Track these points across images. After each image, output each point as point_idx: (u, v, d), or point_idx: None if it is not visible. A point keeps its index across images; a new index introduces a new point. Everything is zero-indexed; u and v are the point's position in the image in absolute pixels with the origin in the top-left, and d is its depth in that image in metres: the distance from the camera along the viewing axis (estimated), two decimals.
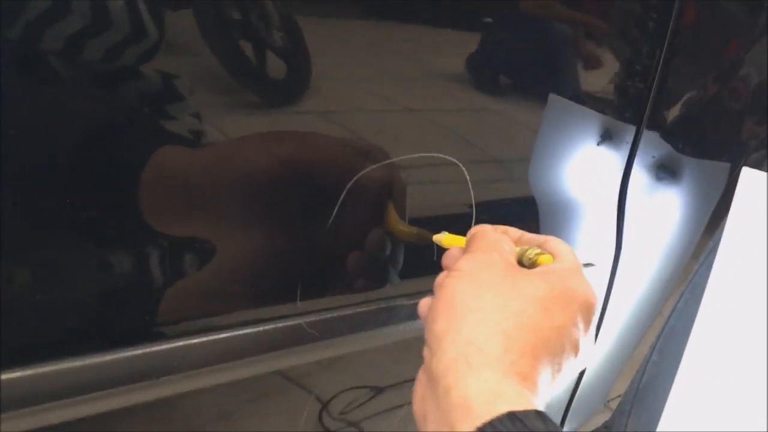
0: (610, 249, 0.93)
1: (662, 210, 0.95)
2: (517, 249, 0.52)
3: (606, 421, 1.25)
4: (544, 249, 0.51)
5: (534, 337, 0.44)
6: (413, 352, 0.74)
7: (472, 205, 0.74)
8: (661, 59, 0.83)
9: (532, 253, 0.51)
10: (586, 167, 0.86)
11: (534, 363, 0.43)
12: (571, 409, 1.07)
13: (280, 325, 0.62)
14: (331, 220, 0.62)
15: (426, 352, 0.47)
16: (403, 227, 0.66)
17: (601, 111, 0.86)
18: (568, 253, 0.51)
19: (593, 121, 0.85)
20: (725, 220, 0.98)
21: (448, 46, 0.66)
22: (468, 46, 0.66)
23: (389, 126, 0.64)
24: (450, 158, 0.72)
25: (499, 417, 0.39)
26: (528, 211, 0.83)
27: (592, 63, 0.80)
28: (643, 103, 0.85)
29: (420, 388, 0.47)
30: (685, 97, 0.90)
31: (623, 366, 1.09)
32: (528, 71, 0.74)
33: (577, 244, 0.90)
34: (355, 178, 0.61)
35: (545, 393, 0.44)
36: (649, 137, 0.88)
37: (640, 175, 0.90)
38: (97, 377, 0.52)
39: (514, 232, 0.55)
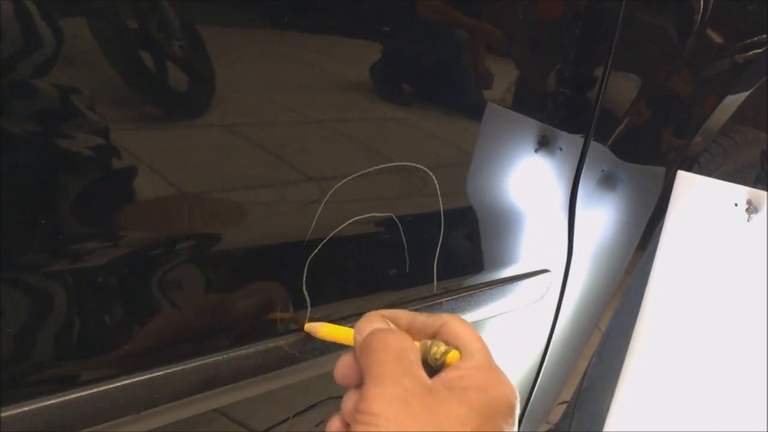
0: (562, 254, 0.96)
1: (608, 214, 0.99)
2: (419, 345, 0.48)
3: (550, 429, 1.28)
4: (444, 336, 0.48)
5: None
6: None
7: (440, 222, 0.75)
8: (609, 68, 0.87)
9: (438, 352, 0.47)
10: (526, 175, 0.88)
11: None
12: (526, 415, 1.09)
13: None
14: None
15: None
16: None
17: (544, 120, 0.89)
18: (474, 342, 0.48)
19: (531, 128, 0.88)
20: (662, 223, 1.04)
21: (352, 55, 0.66)
22: (371, 55, 0.66)
23: (295, 138, 0.63)
24: (420, 166, 0.73)
25: None
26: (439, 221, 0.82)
27: (486, 73, 0.82)
28: (590, 114, 0.90)
29: None
30: (625, 109, 0.95)
31: (572, 370, 1.13)
32: (430, 79, 0.74)
33: (525, 252, 0.92)
34: None
35: None
36: (595, 147, 0.92)
37: (587, 182, 0.94)
38: None
39: (405, 316, 0.51)
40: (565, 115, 0.90)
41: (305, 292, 0.64)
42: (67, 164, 0.49)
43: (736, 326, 1.01)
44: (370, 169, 0.68)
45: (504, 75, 0.83)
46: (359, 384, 0.47)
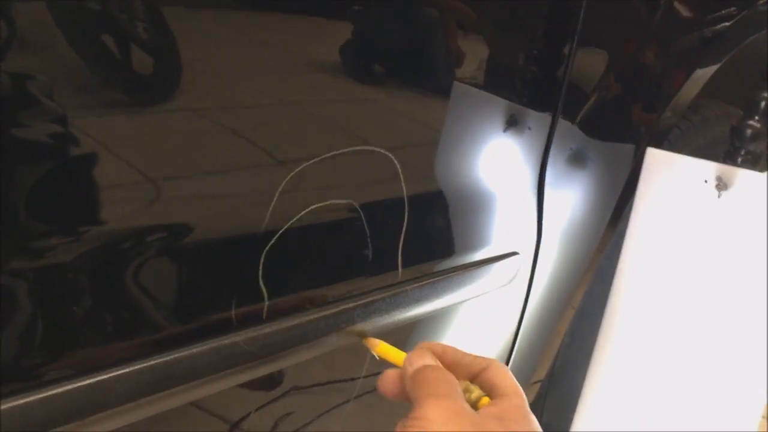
0: (531, 236, 0.94)
1: (576, 194, 0.97)
2: (461, 384, 0.53)
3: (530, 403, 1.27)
4: (485, 379, 0.53)
5: None
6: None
7: (404, 199, 0.72)
8: (574, 49, 0.85)
9: (472, 398, 0.52)
10: (496, 156, 0.86)
11: None
12: None
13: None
14: None
15: None
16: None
17: (512, 99, 0.87)
18: (514, 386, 0.53)
19: (500, 107, 0.86)
20: (632, 202, 1.02)
21: (322, 36, 0.65)
22: (341, 35, 0.65)
23: (266, 120, 0.62)
24: (383, 151, 0.70)
25: None
26: (423, 204, 0.81)
27: (456, 52, 0.80)
28: (557, 94, 0.87)
29: None
30: (593, 86, 0.93)
31: (544, 351, 1.12)
32: (401, 58, 0.74)
33: (493, 234, 0.90)
34: None
35: None
36: (563, 125, 0.90)
37: (556, 161, 0.92)
38: None
39: (451, 353, 0.56)
40: (534, 93, 0.88)
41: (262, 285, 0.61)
42: (24, 155, 0.47)
43: (707, 303, 1.01)
44: (329, 154, 0.66)
45: (475, 53, 0.82)
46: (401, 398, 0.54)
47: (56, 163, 0.49)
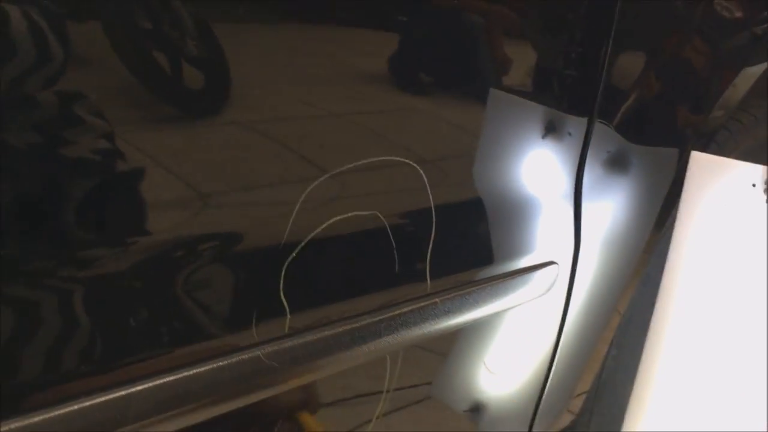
0: (569, 245, 0.91)
1: (617, 201, 0.94)
2: None
3: (571, 421, 1.23)
4: None
5: None
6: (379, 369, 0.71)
7: (431, 208, 0.71)
8: (609, 49, 0.82)
9: None
10: (534, 163, 0.84)
11: None
12: (539, 413, 1.05)
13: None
14: None
15: None
16: None
17: (548, 104, 0.84)
18: None
19: (538, 114, 0.83)
20: (677, 207, 0.98)
21: (369, 47, 0.65)
22: (389, 46, 0.65)
23: (314, 132, 0.62)
24: (407, 161, 0.69)
25: None
26: (466, 213, 0.80)
27: (502, 59, 0.79)
28: (593, 96, 0.85)
29: None
30: (631, 87, 0.90)
31: (586, 363, 1.08)
32: (447, 67, 0.73)
33: (537, 243, 0.88)
34: None
35: None
36: (600, 129, 0.87)
37: (593, 167, 0.89)
38: None
39: None
40: (569, 96, 0.86)
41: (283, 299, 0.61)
42: (77, 169, 0.48)
43: (756, 309, 0.96)
44: (357, 163, 0.65)
45: (521, 60, 0.81)
46: None
47: (110, 176, 0.50)
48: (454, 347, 0.85)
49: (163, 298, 0.54)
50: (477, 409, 0.95)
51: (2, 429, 0.43)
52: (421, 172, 0.70)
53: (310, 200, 0.61)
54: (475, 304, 0.76)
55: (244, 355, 0.58)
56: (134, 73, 0.49)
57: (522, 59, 0.82)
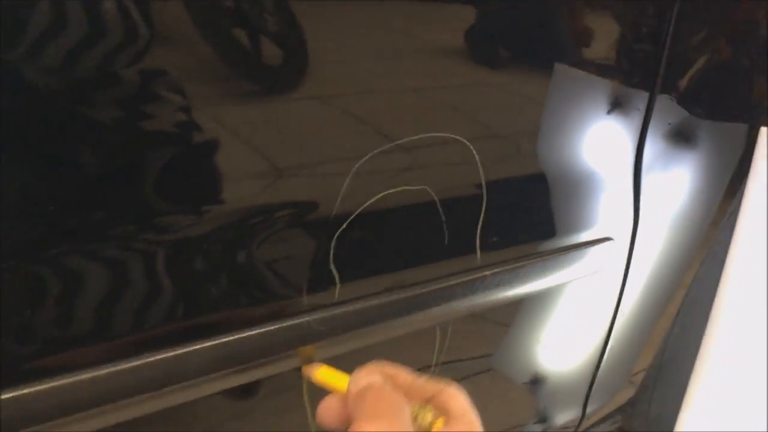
0: (628, 221, 0.90)
1: (679, 177, 0.92)
2: (412, 407, 0.48)
3: (630, 398, 1.22)
4: (438, 402, 0.49)
5: None
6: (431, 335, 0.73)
7: (482, 185, 0.71)
8: (673, 20, 0.79)
9: (425, 421, 0.47)
10: (597, 138, 0.83)
11: None
12: (595, 387, 1.04)
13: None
14: None
15: None
16: None
17: (610, 78, 0.82)
18: (467, 412, 0.48)
19: (602, 89, 0.82)
20: (744, 184, 0.95)
21: (446, 21, 0.64)
22: (466, 20, 0.64)
23: (391, 107, 0.62)
24: (458, 137, 0.69)
25: None
26: (539, 187, 0.80)
27: (584, 31, 0.77)
28: (656, 68, 0.82)
29: None
30: (697, 59, 0.87)
31: (646, 340, 1.07)
32: (527, 41, 0.72)
33: (592, 218, 0.87)
34: None
35: None
36: (662, 102, 0.84)
37: (655, 142, 0.87)
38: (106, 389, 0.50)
39: (404, 376, 0.51)
40: (637, 69, 0.83)
41: (332, 271, 0.63)
42: (159, 140, 0.50)
43: None
44: (413, 138, 0.66)
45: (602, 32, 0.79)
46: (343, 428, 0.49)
47: (189, 148, 0.52)
48: (514, 320, 0.86)
49: (230, 263, 0.57)
50: (536, 381, 0.96)
51: (104, 372, 0.48)
52: (474, 148, 0.70)
53: (380, 171, 0.63)
54: (526, 278, 0.77)
55: (296, 320, 0.60)
56: (216, 50, 0.50)
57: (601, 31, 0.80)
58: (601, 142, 0.84)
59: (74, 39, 0.43)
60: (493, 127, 0.70)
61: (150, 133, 0.50)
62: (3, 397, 0.45)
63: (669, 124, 0.87)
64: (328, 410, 0.49)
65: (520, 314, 0.86)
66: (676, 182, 0.92)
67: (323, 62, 0.56)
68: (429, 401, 0.49)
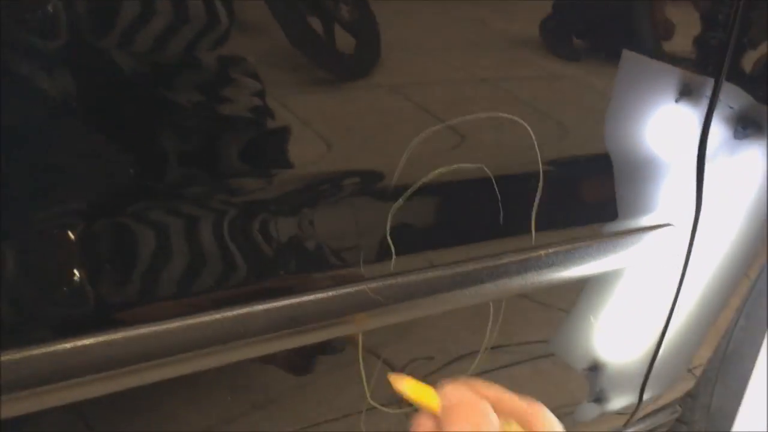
0: (690, 208, 0.89)
1: (745, 165, 0.90)
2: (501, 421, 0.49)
3: (690, 389, 1.20)
4: (526, 419, 0.49)
5: None
6: (485, 318, 0.75)
7: (539, 175, 0.72)
8: (740, 5, 0.78)
9: None
10: (662, 123, 0.82)
11: None
12: (651, 375, 1.04)
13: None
14: None
15: None
16: None
17: (678, 64, 0.82)
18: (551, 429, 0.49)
19: (669, 75, 0.81)
20: None
21: (521, 11, 0.64)
22: (541, 11, 0.64)
23: (461, 97, 0.63)
24: (515, 118, 0.71)
25: None
26: (601, 169, 0.80)
27: (664, 23, 0.76)
28: (722, 53, 0.81)
29: None
30: (764, 45, 0.85)
31: (707, 331, 1.05)
32: (604, 33, 0.72)
33: (656, 204, 0.86)
34: None
35: None
36: (728, 89, 0.83)
37: (719, 129, 0.85)
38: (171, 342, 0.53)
39: (494, 392, 0.51)
40: (703, 56, 0.83)
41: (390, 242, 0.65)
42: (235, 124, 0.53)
43: None
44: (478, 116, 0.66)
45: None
46: None
47: (263, 131, 0.55)
48: (574, 305, 0.87)
49: (296, 231, 0.60)
50: (593, 366, 0.97)
51: (174, 325, 0.52)
52: (533, 131, 0.71)
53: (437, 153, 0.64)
54: (581, 259, 0.77)
55: (353, 288, 0.63)
56: (291, 38, 0.52)
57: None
58: (665, 128, 0.83)
59: (161, 26, 0.46)
60: (564, 121, 0.70)
61: (225, 115, 0.52)
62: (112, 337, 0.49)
63: (731, 108, 0.85)
64: (421, 427, 0.51)
65: (579, 299, 0.87)
66: (740, 170, 0.90)
67: (394, 51, 0.57)
68: (514, 417, 0.50)
